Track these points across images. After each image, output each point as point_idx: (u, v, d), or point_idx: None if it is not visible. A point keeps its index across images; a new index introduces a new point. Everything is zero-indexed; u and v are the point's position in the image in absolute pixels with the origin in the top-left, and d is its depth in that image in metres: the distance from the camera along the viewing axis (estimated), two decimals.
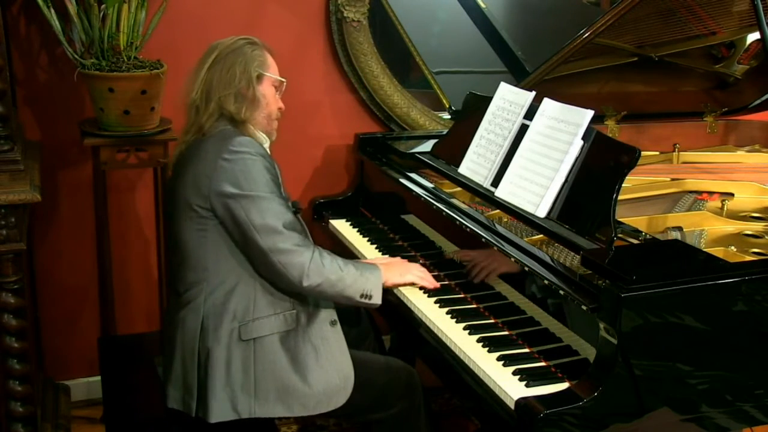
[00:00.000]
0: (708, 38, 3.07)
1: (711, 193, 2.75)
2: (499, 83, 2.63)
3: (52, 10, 2.62)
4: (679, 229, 2.38)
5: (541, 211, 2.25)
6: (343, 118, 3.31)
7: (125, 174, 3.06)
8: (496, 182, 2.45)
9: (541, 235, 2.23)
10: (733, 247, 2.28)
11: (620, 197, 2.17)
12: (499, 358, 2.00)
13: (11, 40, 2.75)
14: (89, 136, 2.74)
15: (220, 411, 2.09)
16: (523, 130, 2.44)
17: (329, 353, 2.17)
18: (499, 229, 2.28)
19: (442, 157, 2.79)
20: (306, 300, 2.20)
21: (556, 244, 2.16)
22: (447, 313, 2.24)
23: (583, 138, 2.25)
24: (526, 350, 2.04)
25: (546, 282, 1.99)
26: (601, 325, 1.81)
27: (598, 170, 2.18)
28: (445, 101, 3.25)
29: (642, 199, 2.69)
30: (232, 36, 2.25)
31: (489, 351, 2.04)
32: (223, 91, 2.16)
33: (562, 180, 2.25)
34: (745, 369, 1.93)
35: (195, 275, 2.15)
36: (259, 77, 2.22)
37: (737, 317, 1.90)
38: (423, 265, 2.43)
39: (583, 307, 1.85)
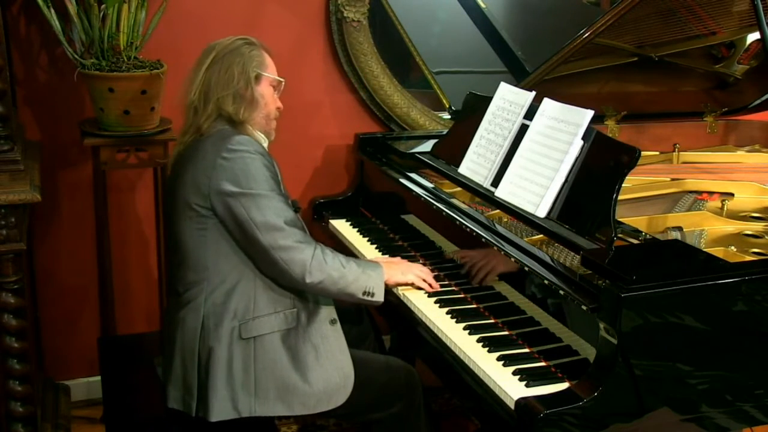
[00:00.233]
0: (708, 38, 3.07)
1: (711, 193, 2.75)
2: (499, 83, 2.63)
3: (52, 10, 2.62)
4: (679, 229, 2.38)
5: (541, 211, 2.25)
6: (343, 118, 3.31)
7: (125, 174, 3.06)
8: (496, 182, 2.45)
9: (541, 235, 2.23)
10: (733, 247, 2.28)
11: (620, 197, 2.17)
12: (499, 358, 2.00)
13: (11, 40, 2.75)
14: (89, 136, 2.74)
15: (220, 410, 2.09)
16: (523, 130, 2.44)
17: (329, 352, 2.17)
18: (499, 229, 2.28)
19: (442, 157, 2.79)
20: (306, 298, 2.20)
21: (556, 244, 2.16)
22: (447, 313, 2.24)
23: (583, 138, 2.25)
24: (526, 350, 2.04)
25: (546, 282, 1.99)
26: (601, 325, 1.81)
27: (598, 170, 2.18)
28: (445, 101, 3.25)
29: (642, 199, 2.69)
30: (229, 36, 2.25)
31: (489, 351, 2.04)
32: (221, 91, 2.16)
33: (562, 180, 2.25)
34: (745, 369, 1.93)
35: (195, 275, 2.15)
36: (258, 77, 2.22)
37: (737, 317, 1.90)
38: (423, 265, 2.43)
39: (583, 307, 1.85)
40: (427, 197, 2.58)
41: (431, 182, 2.69)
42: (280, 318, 2.14)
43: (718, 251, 2.22)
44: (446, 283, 2.40)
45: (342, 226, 2.96)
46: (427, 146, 2.92)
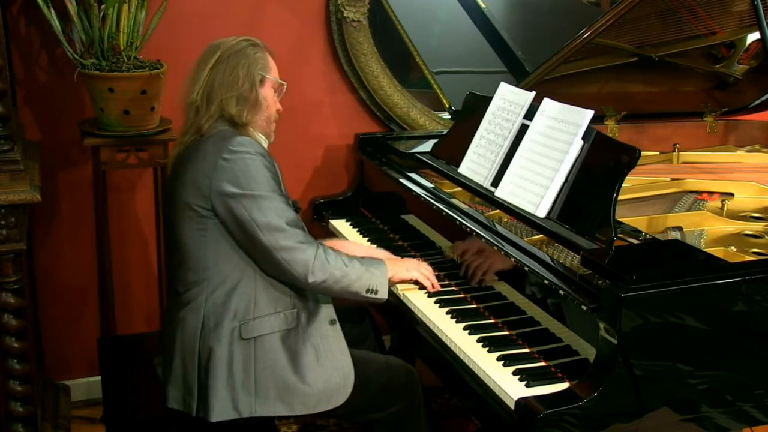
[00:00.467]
0: (708, 38, 3.07)
1: (711, 193, 2.75)
2: (499, 83, 2.63)
3: (52, 10, 2.62)
4: (679, 229, 2.38)
5: (541, 211, 2.25)
6: (343, 118, 3.31)
7: (125, 174, 3.06)
8: (496, 182, 2.45)
9: (541, 235, 2.23)
10: (733, 247, 2.28)
11: (620, 197, 2.17)
12: (499, 358, 2.00)
13: (11, 40, 2.75)
14: (89, 136, 2.74)
15: (221, 410, 2.09)
16: (523, 130, 2.44)
17: (329, 352, 2.17)
18: (499, 229, 2.28)
19: (442, 157, 2.79)
20: (306, 298, 2.20)
21: (556, 244, 2.17)
22: (447, 313, 2.24)
23: (583, 138, 2.25)
24: (526, 350, 2.04)
25: (546, 282, 1.99)
26: (601, 325, 1.81)
27: (598, 170, 2.18)
28: (445, 101, 3.25)
29: (642, 199, 2.69)
30: (233, 36, 2.24)
31: (489, 351, 2.04)
32: (225, 93, 2.15)
33: (562, 180, 2.25)
34: (745, 369, 1.93)
35: (195, 275, 2.15)
36: (262, 80, 2.21)
37: (737, 317, 1.90)
38: None
39: (583, 307, 1.85)
40: (427, 197, 2.58)
41: (431, 182, 2.69)
42: (280, 318, 2.14)
43: (718, 251, 2.22)
44: (446, 283, 2.40)
45: (342, 226, 2.96)
46: (427, 146, 2.92)
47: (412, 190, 2.67)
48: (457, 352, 2.08)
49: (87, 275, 3.11)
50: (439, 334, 2.17)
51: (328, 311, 2.23)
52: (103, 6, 2.59)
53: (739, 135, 3.36)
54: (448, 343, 2.12)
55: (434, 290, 2.34)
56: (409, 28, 3.24)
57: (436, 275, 2.39)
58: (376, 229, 2.91)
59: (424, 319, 2.24)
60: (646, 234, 2.14)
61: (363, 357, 2.28)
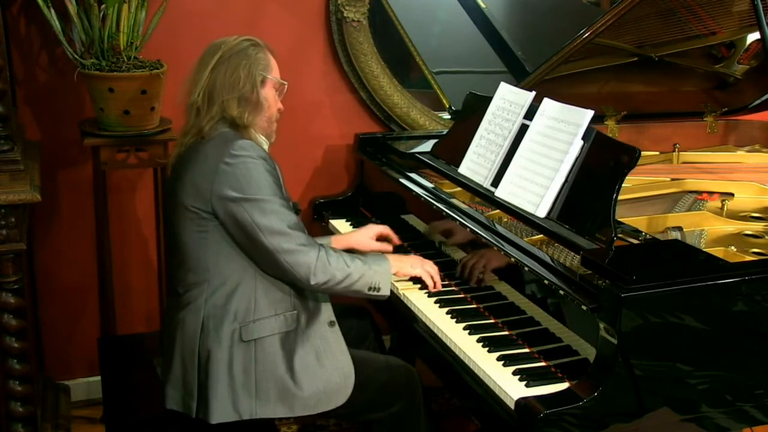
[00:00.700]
0: (708, 38, 3.07)
1: (711, 193, 2.75)
2: (499, 83, 2.63)
3: (52, 10, 2.62)
4: (679, 229, 2.38)
5: (541, 211, 2.25)
6: (343, 118, 3.31)
7: (125, 174, 3.06)
8: (496, 182, 2.45)
9: (541, 235, 2.23)
10: (733, 247, 2.28)
11: (620, 197, 2.17)
12: (499, 358, 2.00)
13: (11, 40, 2.75)
14: (89, 136, 2.74)
15: (221, 412, 2.09)
16: (523, 130, 2.44)
17: (329, 352, 2.17)
18: (499, 229, 2.28)
19: (442, 157, 2.79)
20: (306, 300, 2.20)
21: (556, 244, 2.17)
22: (447, 313, 2.24)
23: (583, 138, 2.25)
24: (526, 350, 2.04)
25: (546, 282, 1.99)
26: (601, 325, 1.81)
27: (598, 170, 2.18)
28: (445, 101, 3.25)
29: (642, 199, 2.69)
30: (234, 35, 2.23)
31: (489, 351, 2.04)
32: (226, 94, 2.14)
33: (562, 180, 2.25)
34: (745, 369, 1.93)
35: (195, 276, 2.15)
36: (263, 81, 2.20)
37: (737, 317, 1.90)
38: None
39: (583, 307, 1.85)
40: (427, 197, 2.58)
41: (431, 182, 2.69)
42: (280, 320, 2.14)
43: (718, 251, 2.22)
44: (446, 283, 2.40)
45: (342, 226, 2.96)
46: (427, 146, 2.92)
47: (412, 190, 2.67)
48: (457, 352, 2.08)
49: (87, 275, 3.11)
50: (439, 334, 2.17)
51: (327, 313, 2.23)
52: (103, 6, 2.59)
53: (739, 135, 3.36)
54: (448, 343, 2.12)
55: (436, 289, 2.34)
56: (409, 28, 3.24)
57: None
58: None
59: (424, 319, 2.25)
60: (646, 234, 2.14)
61: (363, 357, 2.28)
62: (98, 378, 2.54)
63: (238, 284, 2.13)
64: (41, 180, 2.51)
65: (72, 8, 2.61)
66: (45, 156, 2.86)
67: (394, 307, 2.38)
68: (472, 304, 2.29)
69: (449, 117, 3.28)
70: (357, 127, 3.27)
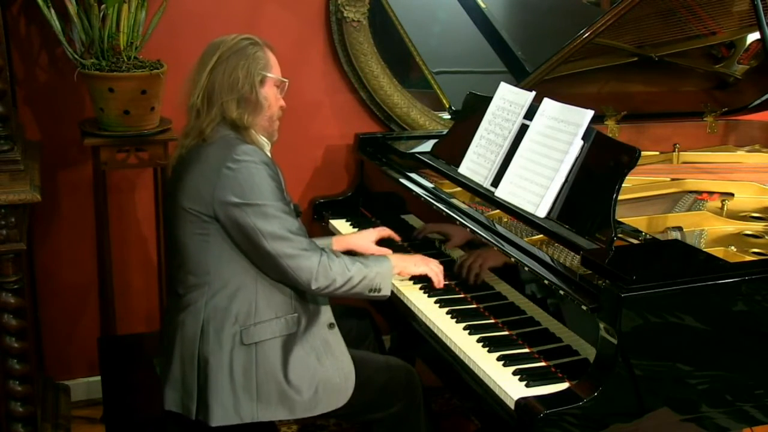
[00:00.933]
0: (708, 38, 3.07)
1: (711, 193, 2.75)
2: (499, 83, 2.63)
3: (52, 10, 2.61)
4: (679, 229, 2.38)
5: (541, 211, 2.25)
6: (343, 118, 3.31)
7: (125, 174, 3.06)
8: (496, 182, 2.45)
9: (541, 235, 2.23)
10: (733, 247, 2.28)
11: (620, 197, 2.17)
12: (499, 358, 2.00)
13: (11, 40, 2.75)
14: (89, 136, 2.74)
15: (222, 415, 2.08)
16: (523, 130, 2.44)
17: (330, 353, 2.17)
18: (499, 229, 2.28)
19: (442, 157, 2.79)
20: (306, 302, 2.20)
21: (556, 244, 2.17)
22: (447, 313, 2.24)
23: (583, 138, 2.25)
24: (526, 350, 2.04)
25: (546, 282, 1.99)
26: (601, 325, 1.81)
27: (598, 170, 2.18)
28: (445, 101, 3.25)
29: (642, 199, 2.69)
30: (233, 34, 2.21)
31: (489, 351, 2.04)
32: (225, 96, 2.13)
33: (562, 180, 2.25)
34: (745, 369, 1.93)
35: (196, 278, 2.14)
36: (262, 80, 2.19)
37: (737, 317, 1.90)
38: None
39: (583, 307, 1.85)
40: (427, 197, 2.58)
41: (431, 182, 2.69)
42: (281, 323, 2.14)
43: (718, 251, 2.22)
44: (446, 282, 2.40)
45: (342, 226, 2.96)
46: (427, 146, 2.92)
47: (412, 190, 2.67)
48: (457, 352, 2.08)
49: (87, 275, 3.11)
50: (439, 334, 2.17)
51: (326, 315, 2.23)
52: (103, 6, 2.59)
53: (739, 135, 3.36)
54: (448, 343, 2.12)
55: (440, 287, 2.34)
56: (409, 28, 3.24)
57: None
58: None
59: (424, 319, 2.25)
60: (646, 234, 2.14)
61: (363, 357, 2.28)
62: (98, 378, 2.54)
63: (238, 287, 2.12)
64: (41, 180, 2.51)
65: (72, 8, 2.61)
66: (45, 156, 2.86)
67: (394, 307, 2.38)
68: (472, 304, 2.29)
69: (449, 117, 3.28)
70: (357, 127, 3.27)
